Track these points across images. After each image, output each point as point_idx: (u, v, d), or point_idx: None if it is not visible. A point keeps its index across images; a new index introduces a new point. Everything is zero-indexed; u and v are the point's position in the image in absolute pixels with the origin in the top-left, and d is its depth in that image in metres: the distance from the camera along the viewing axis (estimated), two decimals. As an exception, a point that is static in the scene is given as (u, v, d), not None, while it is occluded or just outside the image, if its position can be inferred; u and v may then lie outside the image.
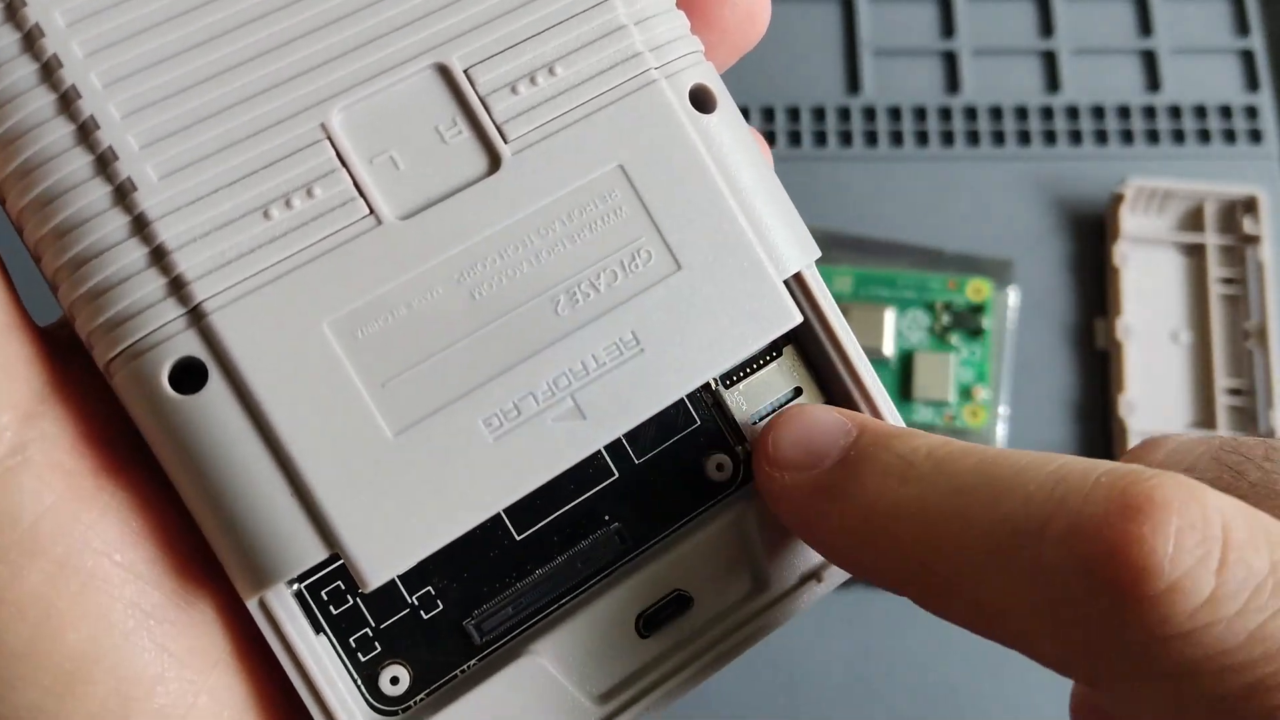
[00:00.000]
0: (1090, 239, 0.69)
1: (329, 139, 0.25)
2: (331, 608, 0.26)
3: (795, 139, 0.70)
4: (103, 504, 0.24)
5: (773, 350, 0.29)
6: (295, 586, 0.26)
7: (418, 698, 0.27)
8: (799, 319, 0.27)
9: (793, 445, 0.26)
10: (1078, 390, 0.68)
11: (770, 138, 0.70)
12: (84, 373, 0.25)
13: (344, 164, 0.25)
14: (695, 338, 0.26)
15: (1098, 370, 0.68)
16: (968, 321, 0.66)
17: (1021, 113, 0.71)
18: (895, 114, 0.71)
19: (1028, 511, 0.23)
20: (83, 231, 0.24)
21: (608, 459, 0.28)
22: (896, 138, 0.71)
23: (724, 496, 0.28)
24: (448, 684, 0.27)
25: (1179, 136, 0.72)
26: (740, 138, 0.27)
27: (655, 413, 0.26)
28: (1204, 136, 0.71)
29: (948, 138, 0.71)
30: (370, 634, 0.26)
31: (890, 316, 0.66)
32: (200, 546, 0.25)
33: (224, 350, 0.24)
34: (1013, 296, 0.67)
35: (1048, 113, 0.71)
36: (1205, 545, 0.21)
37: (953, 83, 0.72)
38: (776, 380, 0.29)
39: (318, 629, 0.26)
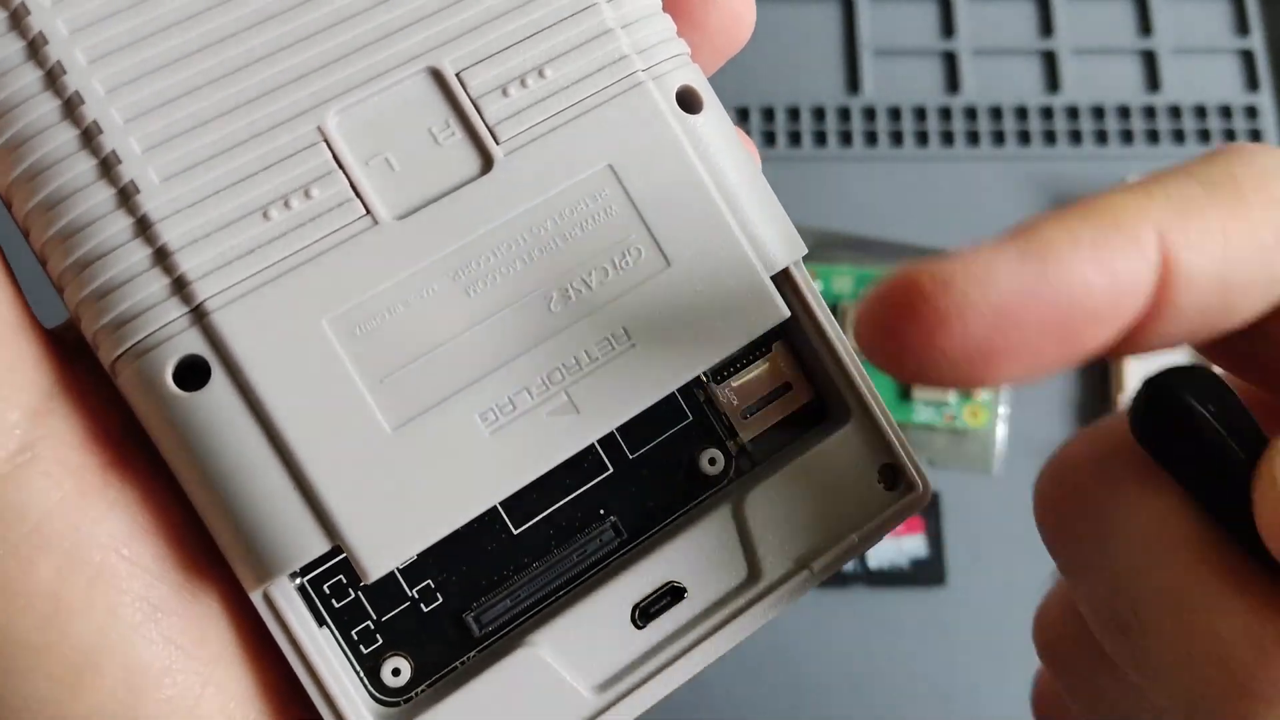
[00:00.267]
0: (1090, 238, 0.70)
1: (326, 141, 0.25)
2: (334, 601, 0.27)
3: (795, 139, 0.71)
4: (110, 500, 0.25)
5: (763, 345, 0.29)
6: (298, 580, 0.26)
7: (419, 689, 0.27)
8: (786, 314, 0.27)
9: None
10: (1078, 390, 0.68)
11: (770, 138, 0.71)
12: (90, 372, 0.26)
13: (340, 166, 0.25)
14: (685, 333, 0.26)
15: (1098, 370, 0.68)
16: (968, 321, 0.66)
17: (1021, 113, 0.72)
18: (895, 114, 0.72)
19: None
20: (87, 234, 0.24)
21: (602, 454, 0.28)
22: (896, 138, 0.71)
23: (717, 489, 0.29)
24: (448, 675, 0.27)
25: (1179, 136, 0.72)
26: (726, 137, 0.28)
27: (647, 407, 0.26)
28: (1204, 136, 0.72)
29: (948, 138, 0.71)
30: (372, 626, 0.27)
31: (891, 316, 0.66)
32: (205, 541, 0.26)
33: (226, 348, 0.24)
34: (1013, 295, 0.68)
35: (1048, 113, 0.72)
36: None
37: (953, 83, 0.72)
38: (767, 375, 0.29)
39: (320, 622, 0.26)
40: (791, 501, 0.28)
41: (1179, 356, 0.67)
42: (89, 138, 0.24)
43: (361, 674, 0.27)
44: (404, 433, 0.25)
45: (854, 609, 0.65)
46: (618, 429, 0.28)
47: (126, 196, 0.24)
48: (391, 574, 0.27)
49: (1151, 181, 0.23)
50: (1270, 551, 0.22)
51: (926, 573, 0.66)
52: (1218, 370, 0.26)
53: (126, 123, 0.24)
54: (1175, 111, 0.72)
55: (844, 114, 0.71)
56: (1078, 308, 0.22)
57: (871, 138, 0.71)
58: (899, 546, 0.66)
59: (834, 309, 0.67)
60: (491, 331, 0.26)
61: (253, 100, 0.25)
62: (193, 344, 0.24)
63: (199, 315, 0.24)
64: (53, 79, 0.24)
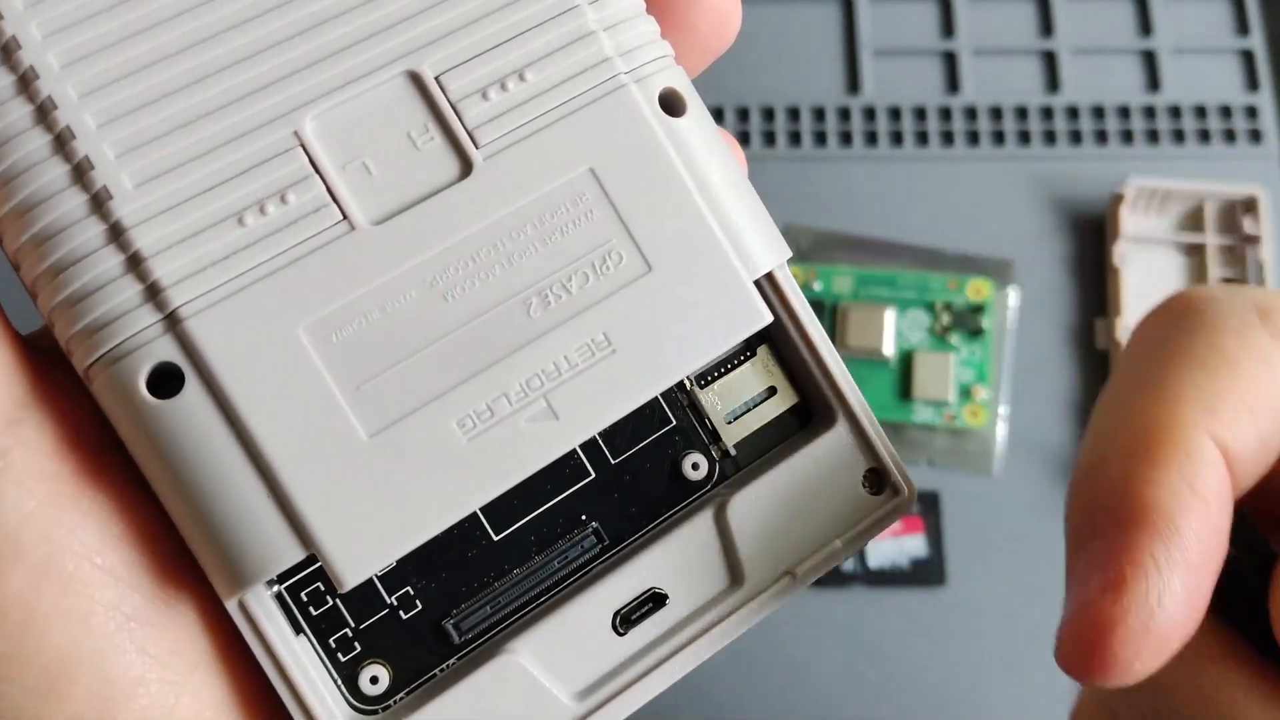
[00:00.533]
0: (1090, 239, 0.70)
1: (302, 146, 0.25)
2: (311, 609, 0.26)
3: (795, 139, 0.71)
4: (84, 508, 0.25)
5: (747, 350, 0.29)
6: (275, 588, 0.26)
7: (397, 697, 0.27)
8: (769, 318, 0.27)
9: None
10: (1078, 390, 0.68)
11: (770, 138, 0.70)
12: (65, 379, 0.26)
13: (317, 171, 0.25)
14: (666, 338, 0.26)
15: (1098, 370, 0.68)
16: (968, 321, 0.66)
17: (1021, 113, 0.71)
18: (895, 114, 0.71)
19: None
20: (60, 240, 0.24)
21: (584, 459, 0.28)
22: (896, 138, 0.71)
23: (700, 495, 0.29)
24: (427, 683, 0.27)
25: (1179, 136, 0.72)
26: (710, 141, 0.27)
27: (627, 413, 0.26)
28: (1204, 136, 0.72)
29: (948, 138, 0.71)
30: (350, 634, 0.27)
31: (890, 316, 0.66)
32: (181, 549, 0.25)
33: (200, 355, 0.24)
34: (1013, 296, 0.68)
35: (1048, 113, 0.72)
36: None
37: (953, 83, 0.72)
38: (751, 380, 0.29)
39: (297, 630, 0.26)
40: (775, 506, 0.28)
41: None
42: (62, 143, 0.24)
43: (339, 682, 0.26)
44: (380, 440, 0.25)
45: (854, 609, 0.65)
46: (600, 434, 0.28)
47: (100, 203, 0.24)
48: (370, 581, 0.27)
49: (1172, 390, 0.27)
50: None
51: (926, 573, 0.66)
52: None
53: (100, 128, 0.24)
54: (1175, 111, 0.72)
55: (844, 114, 0.71)
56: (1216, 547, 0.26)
57: (871, 138, 0.71)
58: (899, 546, 0.66)
59: (834, 309, 0.67)
60: (469, 337, 0.25)
61: (228, 105, 0.25)
62: (166, 351, 0.24)
63: (172, 322, 0.24)
64: (26, 84, 0.24)
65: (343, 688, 0.27)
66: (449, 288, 0.26)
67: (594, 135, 0.26)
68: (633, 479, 0.28)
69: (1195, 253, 0.69)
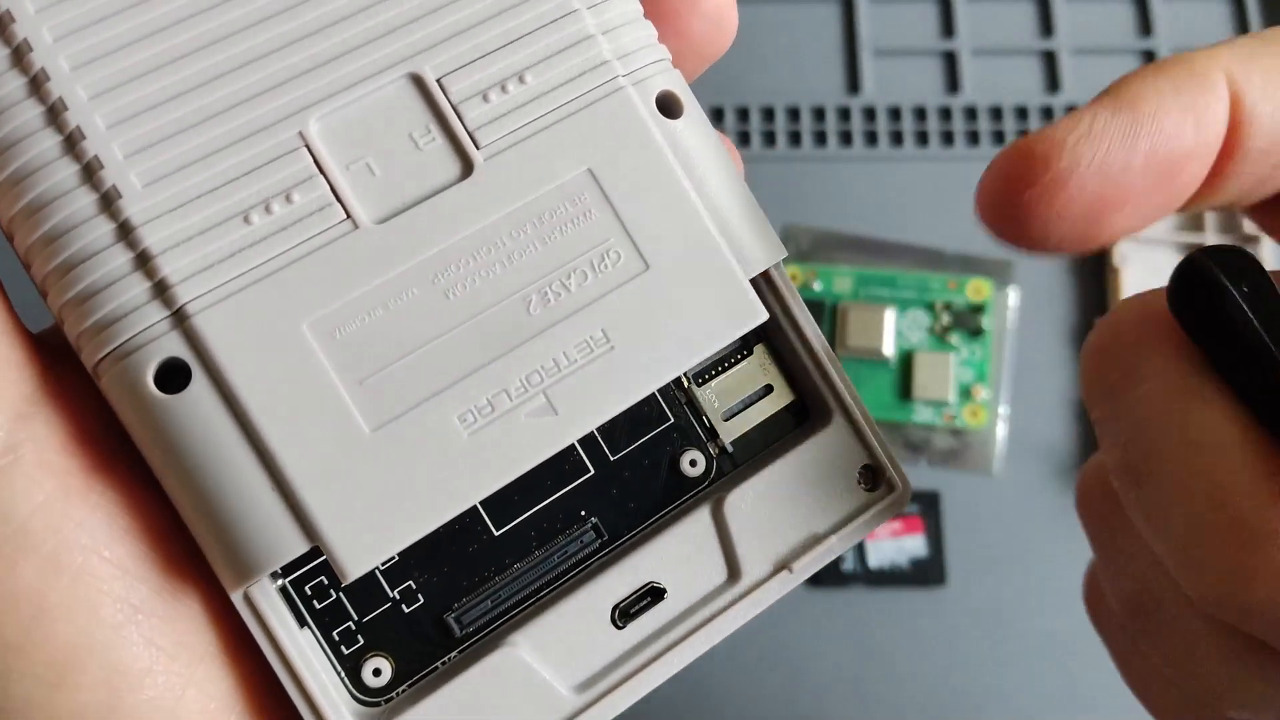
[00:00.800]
0: (1090, 238, 0.70)
1: (307, 147, 0.26)
2: (315, 602, 0.27)
3: (795, 139, 0.71)
4: (92, 502, 0.25)
5: (744, 348, 0.29)
6: (280, 581, 0.27)
7: (400, 689, 0.27)
8: (765, 316, 0.27)
9: None
10: (1078, 390, 0.68)
11: (770, 138, 0.71)
12: (74, 375, 0.26)
13: (321, 170, 0.26)
14: (664, 335, 0.27)
15: (1097, 369, 0.68)
16: (968, 321, 0.67)
17: (1022, 113, 0.72)
18: (895, 114, 0.72)
19: None
20: (69, 238, 0.25)
21: (583, 455, 0.28)
22: (896, 138, 0.71)
23: (698, 491, 0.29)
24: (429, 675, 0.27)
25: (1179, 135, 0.72)
26: (707, 142, 0.28)
27: (625, 408, 0.27)
28: (1203, 135, 0.72)
29: (948, 138, 0.71)
30: (353, 627, 0.27)
31: (890, 316, 0.66)
32: (187, 542, 0.26)
33: (207, 351, 0.25)
34: (1013, 296, 0.68)
35: (1048, 113, 0.72)
36: None
37: (953, 83, 0.72)
38: (748, 377, 0.29)
39: (301, 623, 0.27)
40: (772, 502, 0.28)
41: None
42: (72, 143, 0.25)
43: (342, 674, 0.27)
44: (383, 434, 0.25)
45: (854, 609, 0.65)
46: (599, 430, 0.28)
47: (109, 202, 0.25)
48: (373, 574, 0.27)
49: (1222, 41, 0.27)
50: None
51: (926, 573, 0.66)
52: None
53: (109, 129, 0.25)
54: (1175, 111, 0.72)
55: (844, 114, 0.71)
56: (1168, 151, 0.25)
57: (871, 138, 0.71)
58: (899, 546, 0.66)
59: (834, 309, 0.67)
60: (470, 334, 0.26)
61: (235, 106, 0.25)
62: (174, 347, 0.25)
63: (180, 318, 0.25)
64: (37, 86, 0.25)
65: (346, 680, 0.27)
66: (450, 285, 0.26)
67: (592, 136, 0.27)
68: (631, 475, 0.29)
69: (1195, 253, 0.69)
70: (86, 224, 0.25)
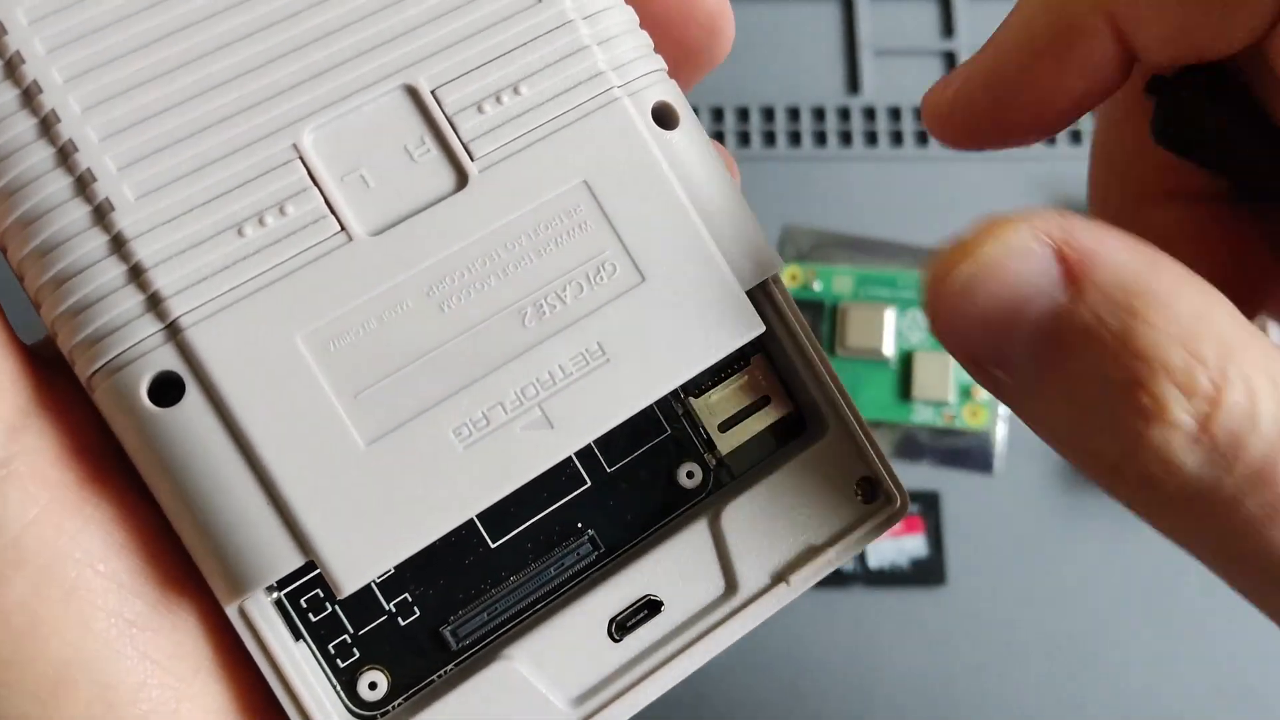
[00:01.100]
0: (1090, 238, 0.70)
1: (300, 159, 0.25)
2: (310, 615, 0.27)
3: (795, 139, 0.71)
4: (86, 515, 0.25)
5: (741, 359, 0.29)
6: (275, 595, 0.26)
7: (396, 702, 0.27)
8: (762, 328, 0.27)
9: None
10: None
11: (770, 138, 0.71)
12: (68, 388, 0.26)
13: (315, 183, 0.25)
14: (659, 347, 0.27)
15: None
16: (968, 321, 0.66)
17: (1021, 112, 0.71)
18: (895, 114, 0.71)
19: None
20: (63, 251, 0.24)
21: (580, 467, 0.28)
22: (896, 138, 0.71)
23: (695, 503, 0.29)
24: (425, 688, 0.27)
25: (1179, 135, 0.71)
26: (703, 153, 0.28)
27: (621, 421, 0.27)
28: (1204, 134, 0.71)
29: (948, 138, 0.71)
30: (349, 640, 0.27)
31: (890, 316, 0.66)
32: (182, 556, 0.26)
33: (200, 364, 0.25)
34: (1013, 296, 0.68)
35: (1048, 112, 0.72)
36: None
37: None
38: (744, 389, 0.29)
39: (297, 636, 0.27)
40: (769, 514, 0.28)
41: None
42: (65, 155, 0.24)
43: (338, 687, 0.27)
44: (377, 448, 0.25)
45: (854, 609, 0.65)
46: (596, 442, 0.28)
47: (101, 214, 0.24)
48: (369, 587, 0.27)
49: None
50: None
51: (926, 573, 0.66)
52: None
53: (101, 140, 0.25)
54: (1175, 111, 0.72)
55: (844, 114, 0.71)
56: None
57: (871, 138, 0.71)
58: (899, 546, 0.66)
59: (834, 309, 0.67)
60: (465, 347, 0.26)
61: (228, 118, 0.25)
62: (167, 360, 0.25)
63: (173, 332, 0.25)
64: (29, 98, 0.24)
65: (342, 693, 0.27)
66: (445, 298, 0.26)
67: (588, 148, 0.27)
68: (628, 487, 0.29)
69: (1194, 253, 0.69)
70: (80, 237, 0.24)
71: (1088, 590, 0.65)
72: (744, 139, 0.70)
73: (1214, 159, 0.29)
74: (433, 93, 0.26)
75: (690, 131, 0.28)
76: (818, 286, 0.67)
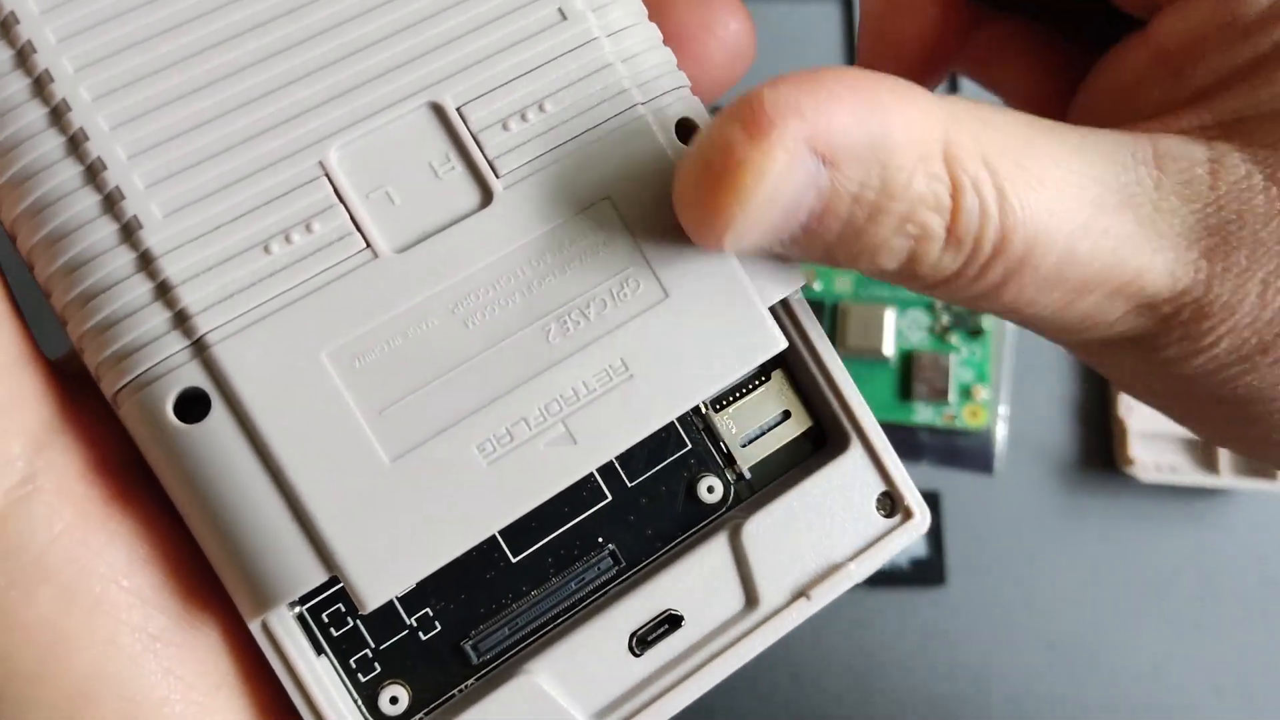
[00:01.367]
0: (1090, 239, 0.70)
1: (327, 176, 0.26)
2: (332, 629, 0.27)
3: (797, 140, 0.71)
4: (110, 531, 0.25)
5: (762, 374, 0.29)
6: (297, 609, 0.27)
7: (417, 717, 0.27)
8: (784, 344, 0.27)
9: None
10: (1078, 390, 0.68)
11: (772, 139, 0.70)
12: (93, 403, 0.26)
13: (341, 200, 0.26)
14: (682, 364, 0.27)
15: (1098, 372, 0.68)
16: (968, 321, 0.67)
17: (1022, 113, 0.71)
18: (896, 115, 0.71)
19: None
20: (90, 268, 0.24)
21: (600, 482, 0.28)
22: (898, 138, 0.71)
23: (715, 518, 0.29)
24: (446, 703, 0.27)
25: (1179, 136, 0.71)
26: None
27: (643, 438, 0.27)
28: (1204, 136, 0.71)
29: (949, 138, 0.71)
30: (370, 655, 0.27)
31: (890, 316, 0.66)
32: (205, 571, 0.26)
33: (226, 381, 0.25)
34: (1013, 297, 0.68)
35: (1048, 113, 0.72)
36: None
37: (953, 83, 0.72)
38: (765, 404, 0.29)
39: (319, 650, 0.27)
40: (789, 529, 0.28)
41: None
42: (93, 174, 0.24)
43: (359, 702, 0.27)
44: (402, 464, 0.25)
45: (854, 609, 0.66)
46: (617, 457, 0.28)
47: (129, 232, 0.24)
48: (390, 602, 0.27)
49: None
50: None
51: (926, 573, 0.66)
52: None
53: (130, 159, 0.25)
54: (1176, 113, 0.72)
55: (845, 114, 0.71)
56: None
57: (872, 138, 0.71)
58: (898, 546, 0.66)
59: (834, 309, 0.67)
60: (490, 363, 0.26)
61: (255, 136, 0.25)
62: (193, 377, 0.25)
63: (200, 348, 0.25)
64: (57, 116, 0.24)
65: (363, 708, 0.27)
66: (469, 314, 0.26)
67: (612, 165, 0.27)
68: (649, 502, 0.29)
69: (1195, 254, 0.69)
70: (107, 254, 0.24)
71: (1088, 590, 0.66)
72: (746, 139, 0.70)
73: None
74: (458, 110, 0.26)
75: None
76: (818, 286, 0.67)
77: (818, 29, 0.73)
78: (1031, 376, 0.68)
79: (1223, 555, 0.66)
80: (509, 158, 0.26)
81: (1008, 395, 0.67)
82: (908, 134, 0.25)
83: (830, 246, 0.26)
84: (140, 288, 0.25)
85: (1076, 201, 0.25)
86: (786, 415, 0.29)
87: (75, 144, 0.24)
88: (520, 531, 0.28)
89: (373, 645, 0.27)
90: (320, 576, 0.25)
